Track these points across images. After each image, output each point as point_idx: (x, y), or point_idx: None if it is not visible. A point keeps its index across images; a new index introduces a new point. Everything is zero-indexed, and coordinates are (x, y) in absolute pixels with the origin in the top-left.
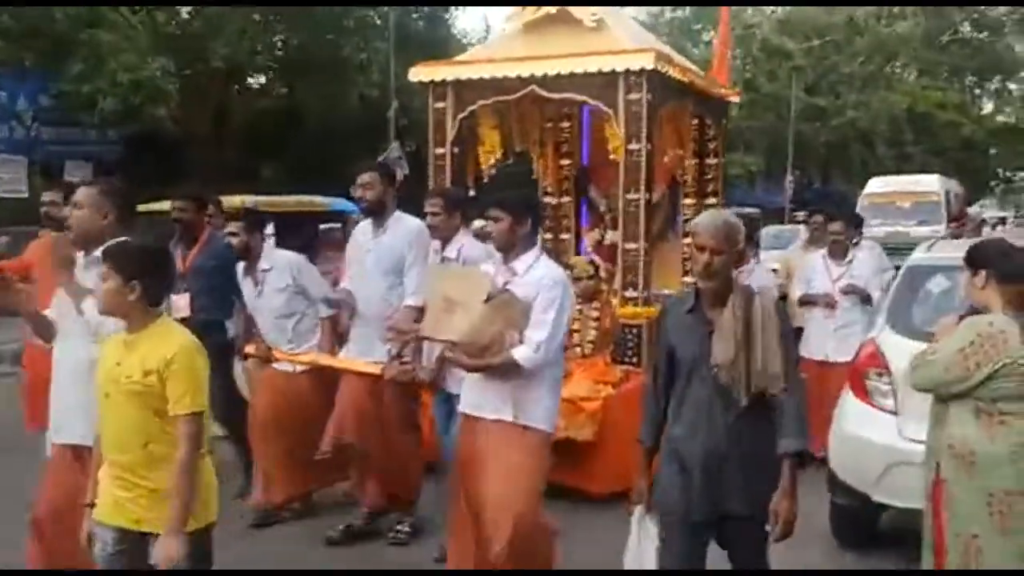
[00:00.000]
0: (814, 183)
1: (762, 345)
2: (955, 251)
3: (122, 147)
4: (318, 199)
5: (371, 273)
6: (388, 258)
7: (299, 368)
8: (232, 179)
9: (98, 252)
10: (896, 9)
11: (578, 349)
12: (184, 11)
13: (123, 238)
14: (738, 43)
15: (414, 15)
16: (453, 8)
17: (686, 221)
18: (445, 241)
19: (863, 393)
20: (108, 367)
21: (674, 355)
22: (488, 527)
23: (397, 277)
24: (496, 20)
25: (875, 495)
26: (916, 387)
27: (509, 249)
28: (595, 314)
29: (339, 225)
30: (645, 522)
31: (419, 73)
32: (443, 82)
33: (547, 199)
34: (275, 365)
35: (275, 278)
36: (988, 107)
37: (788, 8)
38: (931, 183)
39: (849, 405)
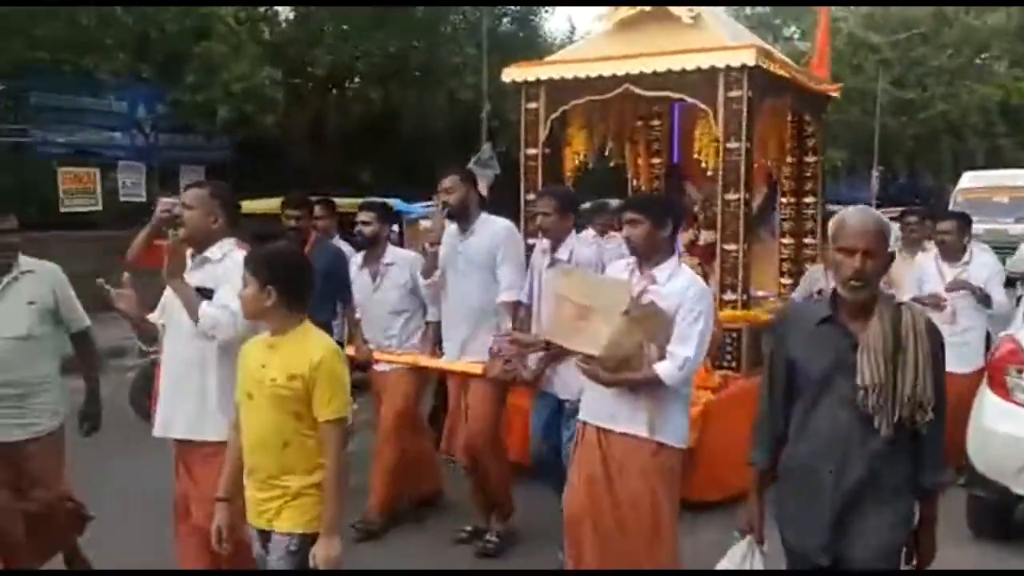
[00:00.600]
0: (899, 178)
1: (912, 367)
2: None
3: (230, 152)
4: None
5: (463, 274)
6: (478, 258)
7: (396, 367)
8: (330, 182)
9: (207, 253)
10: None
11: None
12: (283, 19)
13: (272, 244)
14: None
15: (504, 18)
16: (543, 10)
17: (783, 221)
18: (556, 242)
19: (1002, 389)
20: (252, 368)
21: (796, 370)
22: (620, 547)
23: (489, 275)
24: (581, 22)
25: (1015, 487)
26: None
27: (648, 255)
28: None
29: (396, 227)
30: (754, 554)
31: (512, 74)
32: (536, 82)
33: None
34: (375, 367)
35: (396, 273)
36: None
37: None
38: None
39: (988, 401)
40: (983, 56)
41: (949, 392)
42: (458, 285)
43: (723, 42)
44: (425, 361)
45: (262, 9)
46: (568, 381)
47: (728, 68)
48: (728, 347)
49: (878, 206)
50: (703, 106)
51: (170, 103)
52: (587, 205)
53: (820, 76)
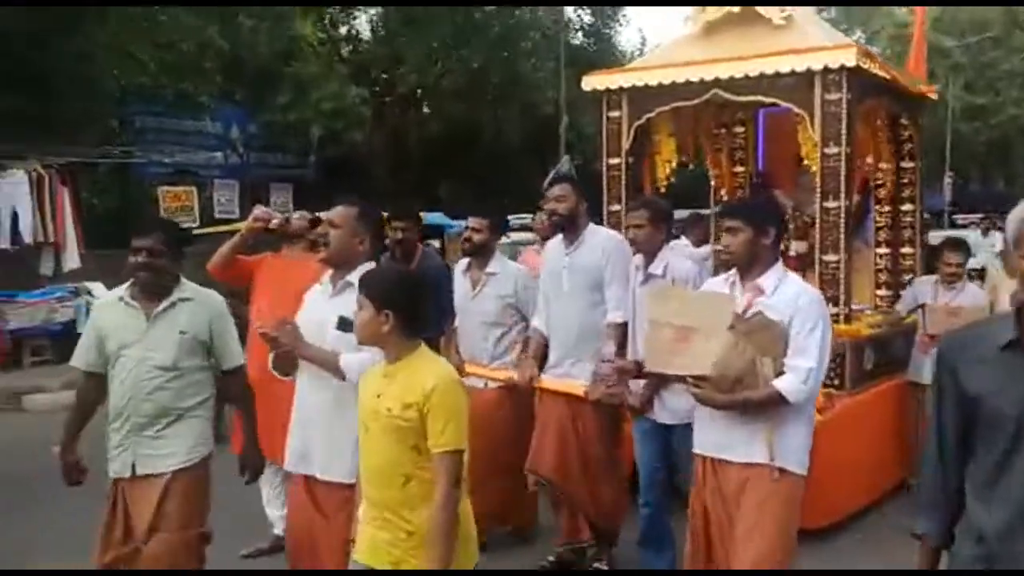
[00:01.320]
0: (970, 184)
1: None
2: None
3: (314, 170)
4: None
5: (568, 292)
6: (585, 275)
7: (491, 384)
8: (412, 197)
9: (350, 277)
10: None
11: None
12: (363, 39)
13: (377, 266)
14: (891, 43)
15: (578, 32)
16: (616, 22)
17: (878, 229)
18: (649, 256)
19: None
20: (368, 399)
21: (977, 410)
22: None
23: (596, 294)
24: (651, 34)
25: None
26: None
27: (750, 264)
28: None
29: (436, 243)
30: None
31: (592, 82)
32: (618, 90)
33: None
34: (466, 380)
35: (498, 284)
36: None
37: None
38: None
39: None
40: None
41: None
42: (562, 304)
43: (818, 43)
44: (519, 378)
45: (343, 30)
46: (675, 407)
47: (826, 69)
48: (831, 364)
49: (952, 213)
50: (798, 110)
51: (263, 123)
52: (684, 215)
53: (917, 76)
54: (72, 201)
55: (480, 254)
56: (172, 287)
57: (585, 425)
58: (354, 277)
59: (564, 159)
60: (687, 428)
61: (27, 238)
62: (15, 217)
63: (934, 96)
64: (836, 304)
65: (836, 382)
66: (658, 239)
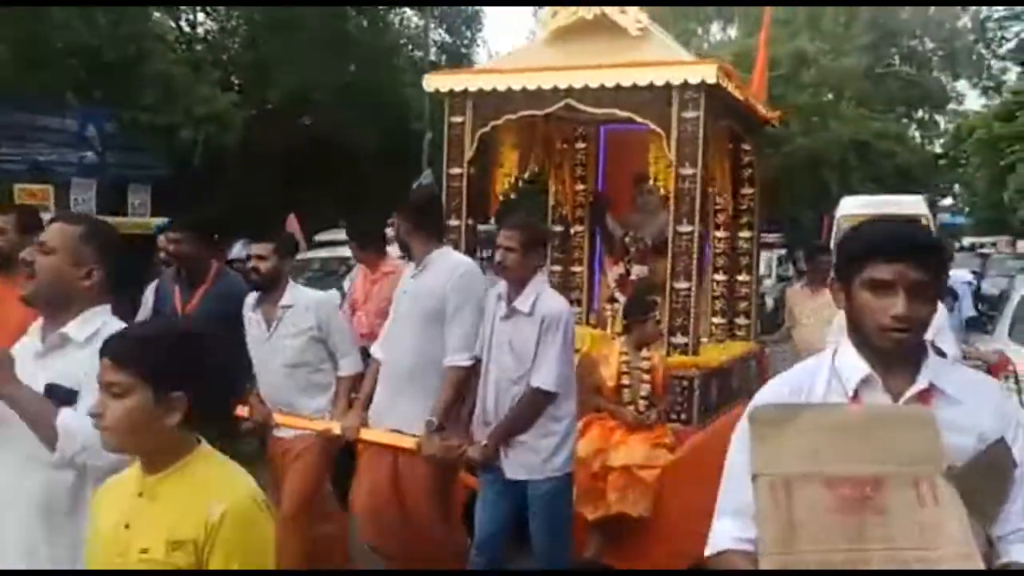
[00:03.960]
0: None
1: None
2: None
3: (177, 173)
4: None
5: (403, 320)
6: (424, 302)
7: (300, 434)
8: (268, 204)
9: (67, 328)
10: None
11: (631, 408)
12: (214, 37)
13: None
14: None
15: (438, 47)
16: (475, 40)
17: (716, 255)
18: (517, 286)
19: None
20: (107, 529)
21: None
22: None
23: (433, 325)
24: (499, 49)
25: None
26: None
27: (912, 350)
28: (646, 364)
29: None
30: None
31: (434, 82)
32: (463, 92)
33: (559, 228)
34: (275, 432)
35: (296, 318)
36: (916, 137)
37: (737, 41)
38: (916, 204)
39: None
40: (839, 96)
41: None
42: (395, 334)
43: (676, 56)
44: (341, 430)
45: (201, 31)
46: (527, 461)
47: (685, 85)
48: (679, 398)
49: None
50: (654, 127)
51: (127, 122)
52: None
53: (758, 97)
54: None
55: (270, 286)
56: None
57: (414, 482)
58: (73, 328)
59: (426, 172)
60: (546, 482)
61: None
62: None
63: (776, 123)
64: (684, 334)
65: (683, 417)
66: (530, 267)
